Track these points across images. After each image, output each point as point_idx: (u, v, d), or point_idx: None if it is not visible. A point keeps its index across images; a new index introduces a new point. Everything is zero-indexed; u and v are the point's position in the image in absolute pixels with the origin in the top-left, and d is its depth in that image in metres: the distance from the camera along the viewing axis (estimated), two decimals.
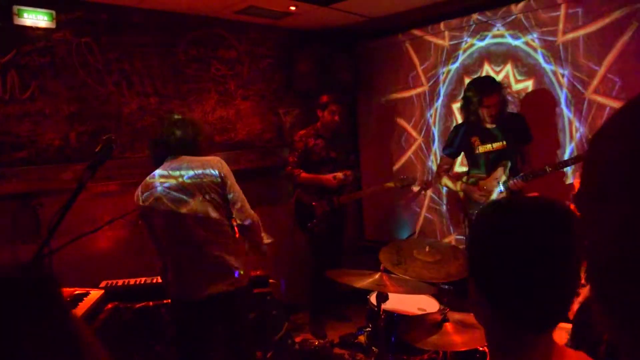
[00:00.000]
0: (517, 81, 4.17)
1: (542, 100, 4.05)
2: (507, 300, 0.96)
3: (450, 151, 4.07)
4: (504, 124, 3.73)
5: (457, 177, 4.20)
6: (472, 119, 3.78)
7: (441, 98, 4.80)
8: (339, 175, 4.36)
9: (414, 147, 5.12)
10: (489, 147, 3.76)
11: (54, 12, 3.55)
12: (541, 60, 4.02)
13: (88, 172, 1.91)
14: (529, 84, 4.13)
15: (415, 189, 5.01)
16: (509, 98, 3.97)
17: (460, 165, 4.52)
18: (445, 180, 4.11)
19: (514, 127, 3.74)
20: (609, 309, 0.55)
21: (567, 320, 2.12)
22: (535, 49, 4.05)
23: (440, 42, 4.74)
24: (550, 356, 0.98)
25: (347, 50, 5.28)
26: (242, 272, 2.70)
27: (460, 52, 4.58)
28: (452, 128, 4.17)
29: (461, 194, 4.07)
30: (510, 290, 0.95)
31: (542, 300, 0.95)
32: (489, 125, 3.75)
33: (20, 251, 3.30)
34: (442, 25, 4.69)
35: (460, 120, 4.44)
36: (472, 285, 1.02)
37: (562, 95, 3.93)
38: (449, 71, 4.70)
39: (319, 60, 4.98)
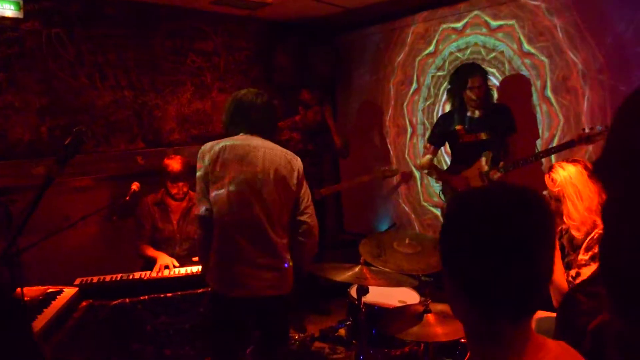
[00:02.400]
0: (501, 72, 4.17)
1: (518, 89, 4.06)
2: (483, 289, 0.95)
3: (435, 140, 4.07)
4: (489, 115, 3.74)
5: (439, 166, 4.21)
6: (457, 104, 3.80)
7: (420, 89, 4.78)
8: None
9: (393, 139, 5.10)
10: (472, 137, 3.77)
11: (20, 1, 3.43)
12: (522, 47, 4.02)
13: (57, 166, 1.84)
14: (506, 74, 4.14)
15: (396, 180, 5.02)
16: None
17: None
18: (428, 169, 4.11)
19: (499, 118, 3.75)
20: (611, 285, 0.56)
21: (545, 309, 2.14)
22: (515, 38, 4.05)
23: (419, 33, 4.72)
24: (527, 346, 0.97)
25: (325, 42, 5.23)
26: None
27: (441, 43, 4.56)
28: (437, 117, 4.17)
29: (440, 183, 4.09)
30: (485, 279, 0.94)
31: (518, 287, 0.94)
32: (474, 115, 3.76)
33: None
34: (421, 15, 4.67)
35: (442, 111, 4.45)
36: (446, 277, 1.01)
37: (539, 84, 3.94)
38: (428, 63, 4.68)
39: (297, 53, 4.93)
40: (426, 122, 4.76)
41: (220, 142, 2.59)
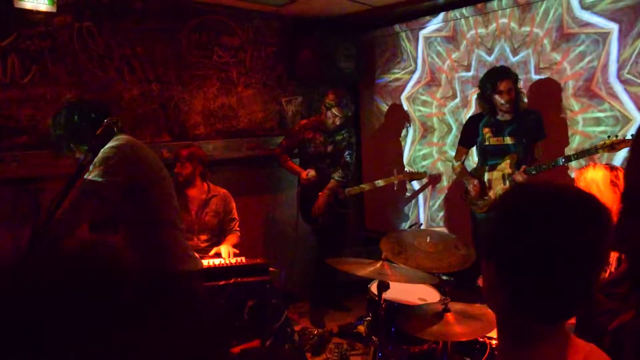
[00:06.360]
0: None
1: (548, 91, 4.02)
2: (530, 289, 0.93)
3: (464, 141, 4.09)
4: (518, 119, 3.73)
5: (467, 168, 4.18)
6: (487, 108, 3.80)
7: (448, 90, 4.76)
8: (312, 172, 4.40)
9: (418, 140, 5.09)
10: (499, 140, 3.77)
11: None
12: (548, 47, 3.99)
13: (89, 155, 1.90)
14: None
15: (423, 182, 5.00)
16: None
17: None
18: (457, 170, 4.12)
19: (528, 123, 3.73)
20: None
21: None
22: (540, 38, 4.01)
23: (444, 32, 4.70)
24: (563, 347, 0.97)
25: (350, 39, 5.23)
26: None
27: (467, 43, 4.53)
28: (467, 119, 4.17)
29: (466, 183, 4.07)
30: (534, 279, 0.92)
31: (566, 291, 0.92)
32: (503, 118, 3.75)
33: (20, 236, 3.30)
34: (446, 14, 4.65)
35: (470, 112, 4.43)
36: (490, 270, 0.98)
37: (569, 85, 3.89)
38: (455, 63, 4.65)
39: (321, 49, 4.94)
40: (452, 123, 4.74)
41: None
